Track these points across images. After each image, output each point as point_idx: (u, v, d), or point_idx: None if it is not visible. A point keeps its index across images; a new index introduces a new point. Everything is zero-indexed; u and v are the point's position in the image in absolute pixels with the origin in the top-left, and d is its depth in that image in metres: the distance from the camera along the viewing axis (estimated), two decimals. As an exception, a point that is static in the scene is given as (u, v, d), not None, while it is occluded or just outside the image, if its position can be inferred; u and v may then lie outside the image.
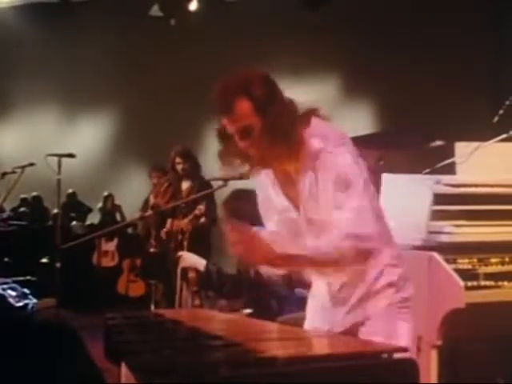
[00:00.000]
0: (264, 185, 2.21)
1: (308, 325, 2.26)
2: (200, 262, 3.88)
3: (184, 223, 5.45)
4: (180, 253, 4.18)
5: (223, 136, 2.08)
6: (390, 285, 2.11)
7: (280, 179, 2.14)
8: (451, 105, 7.84)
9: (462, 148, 3.25)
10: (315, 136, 2.03)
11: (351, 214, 1.98)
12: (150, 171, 6.80)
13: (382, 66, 8.41)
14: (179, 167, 5.79)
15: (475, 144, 3.23)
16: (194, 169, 5.83)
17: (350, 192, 1.98)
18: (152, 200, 6.36)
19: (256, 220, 3.87)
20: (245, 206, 3.66)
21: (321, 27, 8.54)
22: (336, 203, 1.99)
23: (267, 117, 1.99)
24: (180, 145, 5.94)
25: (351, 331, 2.11)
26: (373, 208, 2.04)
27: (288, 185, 2.12)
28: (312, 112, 2.07)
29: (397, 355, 1.56)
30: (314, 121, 2.07)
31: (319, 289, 2.25)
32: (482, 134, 3.31)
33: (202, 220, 5.54)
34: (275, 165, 2.09)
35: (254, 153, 2.04)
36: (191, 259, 3.98)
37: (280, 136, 1.99)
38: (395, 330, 2.09)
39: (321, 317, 2.20)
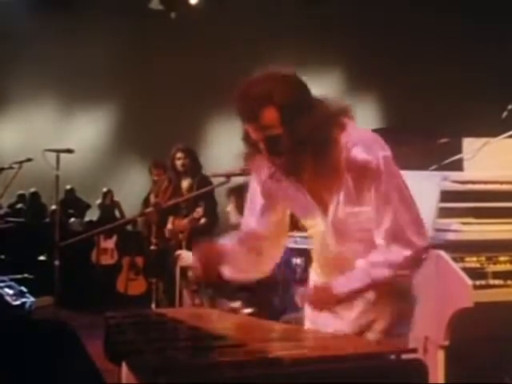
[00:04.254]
0: (256, 181, 2.16)
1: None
2: (199, 261, 3.82)
3: (183, 223, 5.43)
4: (178, 252, 4.13)
5: (249, 140, 1.99)
6: (399, 289, 2.05)
7: (307, 182, 2.04)
8: (458, 100, 7.79)
9: (469, 144, 3.22)
10: (357, 144, 1.93)
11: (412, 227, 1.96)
12: (150, 167, 6.76)
13: (385, 61, 8.36)
14: (179, 163, 5.77)
15: (483, 140, 3.19)
16: (194, 165, 5.82)
17: (407, 206, 1.97)
18: (153, 199, 6.32)
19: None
20: None
21: (324, 22, 8.49)
22: (398, 216, 1.95)
23: (297, 128, 1.88)
24: (181, 143, 5.92)
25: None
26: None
27: (317, 188, 2.03)
28: (344, 113, 1.98)
29: (405, 356, 1.54)
30: (349, 125, 1.98)
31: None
32: (490, 129, 3.26)
33: (202, 221, 5.51)
34: (305, 173, 1.99)
35: (283, 162, 1.94)
36: (190, 258, 3.92)
37: (313, 149, 1.91)
38: (402, 332, 2.07)
39: (322, 321, 2.08)
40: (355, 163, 1.92)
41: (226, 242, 2.19)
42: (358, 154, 1.92)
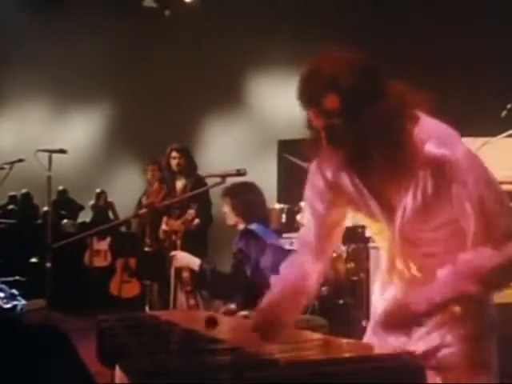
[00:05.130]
0: (316, 181, 1.94)
1: None
2: (194, 262, 3.80)
3: (177, 224, 5.38)
4: (173, 252, 4.09)
5: (312, 125, 1.78)
6: (479, 302, 1.77)
7: (371, 180, 1.80)
8: (458, 100, 7.77)
9: (468, 143, 3.17)
10: (432, 138, 1.70)
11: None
12: (145, 166, 6.72)
13: (385, 61, 8.31)
14: (174, 162, 5.76)
15: (482, 139, 3.16)
16: (189, 165, 5.81)
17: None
18: (145, 201, 6.28)
19: (264, 211, 3.79)
20: (255, 199, 3.59)
21: (324, 22, 8.46)
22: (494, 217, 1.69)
23: (361, 119, 1.66)
24: (176, 142, 5.91)
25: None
26: None
27: (381, 188, 1.79)
28: (420, 105, 1.75)
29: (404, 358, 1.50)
30: (423, 118, 1.75)
31: (379, 305, 1.91)
32: (490, 129, 3.24)
33: (196, 221, 5.47)
34: (369, 169, 1.76)
35: (343, 154, 1.74)
36: (185, 259, 3.90)
37: (378, 143, 1.69)
38: (483, 358, 1.82)
39: (381, 340, 1.83)
40: (430, 159, 1.68)
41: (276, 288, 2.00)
42: (433, 148, 1.68)
